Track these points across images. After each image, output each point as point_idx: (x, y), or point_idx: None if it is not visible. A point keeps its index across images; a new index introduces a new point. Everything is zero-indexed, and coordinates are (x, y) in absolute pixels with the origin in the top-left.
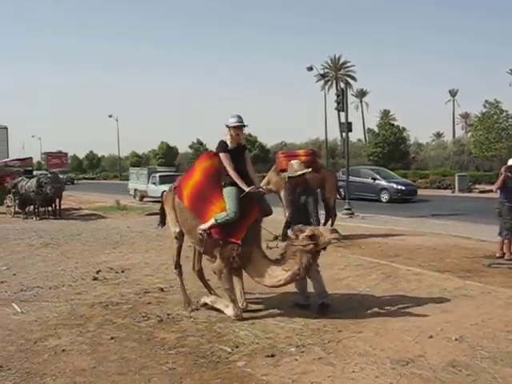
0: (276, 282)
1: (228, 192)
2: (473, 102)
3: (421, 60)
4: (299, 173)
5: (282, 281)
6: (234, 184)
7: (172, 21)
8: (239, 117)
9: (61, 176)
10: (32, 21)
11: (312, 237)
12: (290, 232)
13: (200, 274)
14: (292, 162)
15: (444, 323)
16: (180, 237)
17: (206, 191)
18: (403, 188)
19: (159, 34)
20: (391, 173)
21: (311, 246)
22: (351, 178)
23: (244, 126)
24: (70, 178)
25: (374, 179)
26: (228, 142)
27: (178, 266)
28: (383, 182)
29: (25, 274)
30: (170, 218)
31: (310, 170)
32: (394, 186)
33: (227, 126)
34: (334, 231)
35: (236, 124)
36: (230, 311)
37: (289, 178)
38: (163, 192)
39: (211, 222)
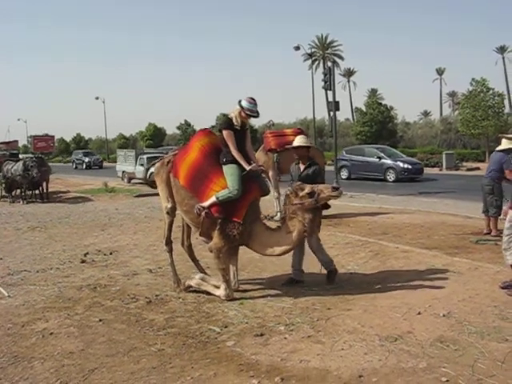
0: (286, 247)
1: (230, 169)
2: (460, 81)
3: (408, 39)
4: (303, 144)
5: (291, 243)
6: (234, 162)
7: (157, 6)
8: (254, 104)
9: (87, 159)
10: (13, 10)
11: (311, 194)
12: (288, 190)
13: (190, 250)
14: (298, 136)
15: (432, 300)
16: (172, 212)
17: (204, 170)
18: (410, 167)
19: (145, 19)
20: (396, 151)
21: (311, 202)
22: (355, 158)
23: (256, 116)
24: (99, 161)
25: (380, 158)
26: (234, 120)
27: (168, 241)
28: (389, 161)
29: (12, 258)
30: (161, 193)
31: (313, 145)
32: (401, 164)
33: (240, 106)
34: (335, 189)
35: (249, 111)
36: (221, 292)
37: (293, 148)
38: (151, 173)
39: (212, 199)
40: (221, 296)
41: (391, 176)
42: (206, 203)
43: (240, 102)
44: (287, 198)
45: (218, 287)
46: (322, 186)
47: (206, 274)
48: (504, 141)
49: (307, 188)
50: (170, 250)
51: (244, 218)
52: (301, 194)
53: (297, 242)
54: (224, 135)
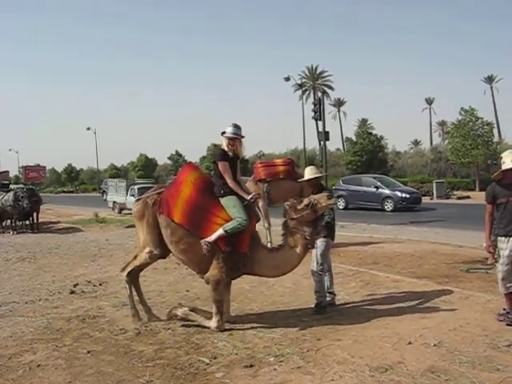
0: (293, 263)
1: (231, 201)
2: (449, 110)
3: (397, 68)
4: (316, 175)
5: (297, 258)
6: (232, 193)
7: (148, 31)
8: (235, 127)
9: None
10: (7, 33)
11: (309, 205)
12: (286, 205)
13: (137, 283)
14: (307, 168)
15: (422, 329)
16: (154, 258)
17: (202, 204)
18: (408, 196)
19: (133, 47)
20: (394, 181)
21: (310, 213)
22: (352, 188)
23: (238, 138)
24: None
25: (377, 187)
26: (227, 151)
27: (131, 274)
28: (386, 191)
29: (0, 288)
30: (147, 236)
31: (324, 174)
32: (399, 194)
33: (222, 135)
34: (330, 197)
35: (234, 135)
36: (213, 323)
37: (307, 180)
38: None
39: (219, 232)
40: (212, 327)
41: (389, 206)
42: (213, 237)
43: (223, 133)
44: (286, 214)
45: (208, 318)
46: (317, 196)
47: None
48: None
49: (305, 200)
50: (130, 282)
51: (247, 249)
52: (299, 207)
53: (302, 256)
54: (220, 167)
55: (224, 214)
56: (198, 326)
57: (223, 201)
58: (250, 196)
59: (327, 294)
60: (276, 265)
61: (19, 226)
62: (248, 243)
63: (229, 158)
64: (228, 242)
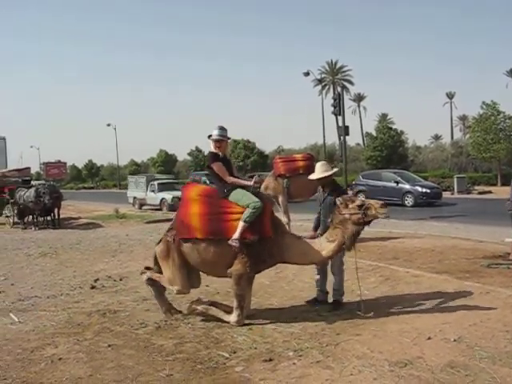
0: (326, 255)
1: (238, 193)
2: (470, 104)
3: (418, 63)
4: (326, 174)
5: (331, 252)
6: (235, 187)
7: (170, 29)
8: (221, 129)
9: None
10: (32, 29)
11: (361, 207)
12: (338, 201)
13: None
14: (318, 163)
15: (442, 324)
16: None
17: (214, 211)
18: (428, 191)
19: (156, 43)
20: (414, 175)
21: (359, 215)
22: (372, 183)
23: (224, 139)
24: None
25: (397, 182)
26: (216, 151)
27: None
28: (407, 186)
29: (23, 283)
30: (175, 277)
31: (336, 170)
32: (419, 189)
33: (209, 138)
34: (384, 206)
35: (220, 137)
36: (233, 317)
37: (318, 179)
38: (162, 199)
39: (241, 226)
40: (232, 321)
41: (409, 201)
42: (237, 232)
43: (209, 136)
44: (336, 208)
45: (227, 312)
46: (372, 201)
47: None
48: None
49: (358, 201)
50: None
51: (272, 233)
52: (351, 205)
53: (336, 252)
54: (215, 168)
55: (238, 208)
56: (217, 320)
57: (231, 198)
58: (251, 182)
59: (319, 293)
60: (305, 252)
61: (41, 222)
62: (270, 227)
63: (220, 159)
64: (253, 231)
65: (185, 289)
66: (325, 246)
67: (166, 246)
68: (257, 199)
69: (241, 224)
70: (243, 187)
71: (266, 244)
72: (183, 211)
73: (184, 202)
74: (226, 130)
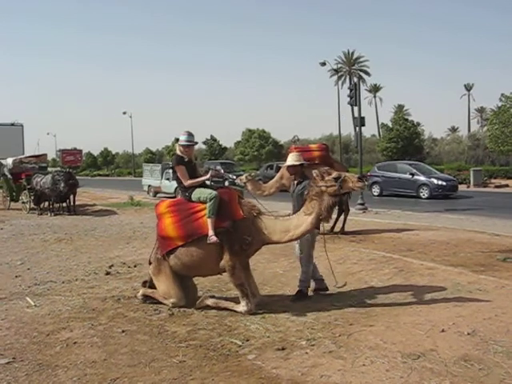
0: (305, 228)
1: (196, 193)
2: (488, 96)
3: (436, 55)
4: (295, 163)
5: (309, 224)
6: (194, 188)
7: (186, 18)
8: (189, 135)
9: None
10: (62, 18)
11: (337, 179)
12: (314, 173)
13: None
14: (290, 154)
15: (456, 317)
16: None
17: (184, 215)
18: (444, 183)
19: (172, 32)
20: (430, 168)
21: (335, 187)
22: (387, 174)
23: (192, 144)
24: None
25: (413, 174)
26: (182, 155)
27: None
28: (422, 178)
29: (39, 268)
30: (170, 291)
31: (304, 162)
32: (435, 181)
33: (177, 143)
34: (361, 180)
35: (187, 142)
36: (242, 307)
37: (287, 167)
38: (176, 187)
39: (209, 222)
40: (242, 311)
41: (424, 193)
42: (210, 229)
43: (177, 140)
44: (312, 180)
45: (237, 303)
46: (349, 174)
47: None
48: None
49: (334, 173)
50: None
51: (244, 214)
52: (327, 177)
53: (313, 225)
54: (177, 172)
55: (202, 206)
56: (229, 311)
57: (193, 198)
58: (207, 176)
59: (316, 281)
60: (286, 229)
61: (57, 208)
62: (239, 209)
63: (185, 162)
64: (223, 218)
65: (180, 301)
66: (303, 219)
67: (156, 263)
68: (210, 191)
69: (208, 220)
70: (203, 185)
71: (243, 226)
72: (159, 227)
73: (158, 218)
74: (193, 136)
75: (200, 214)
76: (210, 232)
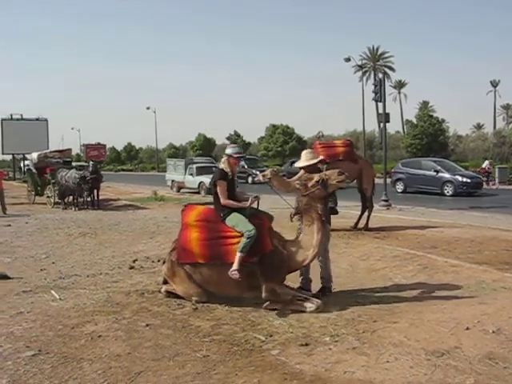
0: (316, 238)
1: (233, 219)
2: None
3: (461, 51)
4: (311, 162)
5: (315, 232)
6: (232, 211)
7: (210, 14)
8: (238, 147)
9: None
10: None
11: (319, 182)
12: (297, 184)
13: None
14: (303, 152)
15: (481, 315)
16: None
17: (213, 236)
18: (468, 181)
19: (197, 27)
20: (454, 165)
21: (320, 190)
22: (411, 171)
23: (242, 156)
24: None
25: (437, 171)
26: (226, 170)
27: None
28: (447, 175)
29: (63, 262)
30: (188, 290)
31: (321, 158)
32: (459, 178)
33: (227, 155)
34: (341, 173)
35: (237, 154)
36: (309, 309)
37: (302, 168)
38: (200, 183)
39: (238, 258)
40: (313, 309)
41: (449, 190)
42: (236, 264)
43: (226, 151)
44: (299, 191)
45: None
46: (328, 172)
47: None
48: None
49: (315, 177)
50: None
51: (273, 245)
52: (309, 184)
53: (320, 229)
54: (218, 187)
55: (235, 233)
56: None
57: (227, 222)
58: (248, 204)
59: (304, 281)
60: (305, 248)
61: (81, 203)
62: (268, 241)
63: (228, 179)
64: (252, 254)
65: (202, 297)
66: (309, 231)
67: (170, 265)
68: (251, 227)
69: (238, 255)
70: (239, 210)
71: (273, 255)
72: (183, 236)
73: (183, 226)
74: (241, 148)
75: (230, 241)
76: (235, 266)
